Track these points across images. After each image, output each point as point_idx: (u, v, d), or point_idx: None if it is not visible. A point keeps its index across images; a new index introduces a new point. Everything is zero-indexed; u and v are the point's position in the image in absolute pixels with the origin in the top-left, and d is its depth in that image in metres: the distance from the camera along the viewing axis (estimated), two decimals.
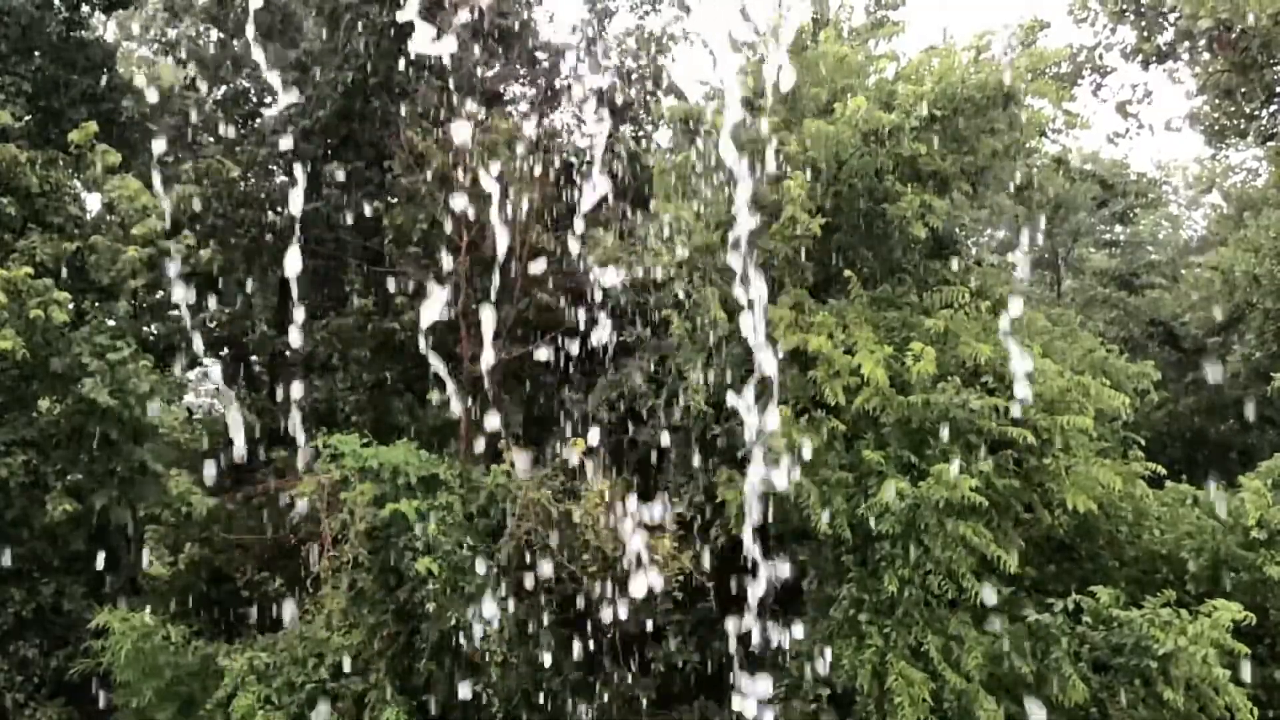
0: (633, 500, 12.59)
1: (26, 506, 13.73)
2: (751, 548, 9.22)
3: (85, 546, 14.03)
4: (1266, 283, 20.65)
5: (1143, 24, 23.04)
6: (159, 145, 18.25)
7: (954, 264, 13.97)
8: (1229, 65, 21.46)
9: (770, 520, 11.70)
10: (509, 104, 19.41)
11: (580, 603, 11.88)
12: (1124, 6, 23.14)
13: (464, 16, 16.91)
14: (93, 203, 15.95)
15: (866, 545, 11.59)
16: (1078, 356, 13.89)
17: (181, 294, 14.12)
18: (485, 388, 15.07)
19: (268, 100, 20.66)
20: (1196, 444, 22.23)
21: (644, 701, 12.33)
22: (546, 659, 11.78)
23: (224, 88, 20.88)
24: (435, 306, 9.03)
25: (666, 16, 20.89)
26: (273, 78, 20.08)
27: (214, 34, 21.30)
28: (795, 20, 15.22)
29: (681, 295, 13.53)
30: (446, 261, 15.10)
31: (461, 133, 13.53)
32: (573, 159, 17.31)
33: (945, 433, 11.57)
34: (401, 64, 17.12)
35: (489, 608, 11.67)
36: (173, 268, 15.15)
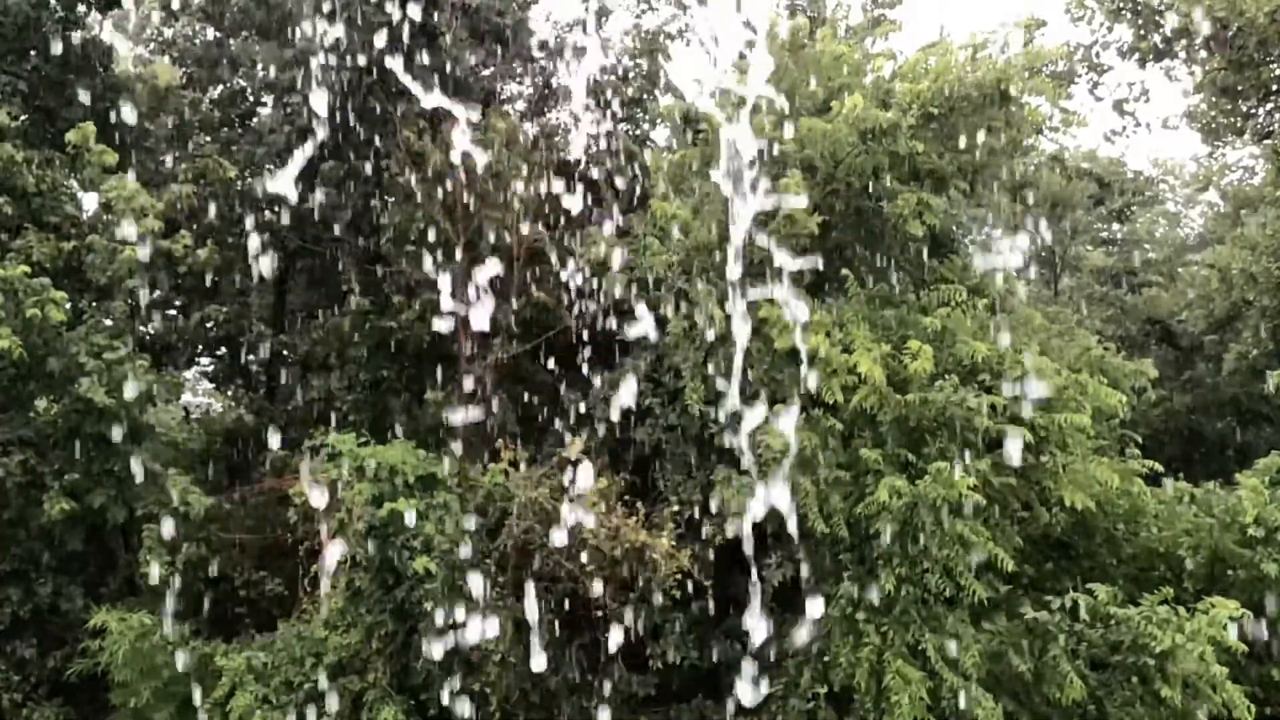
0: (631, 499, 12.59)
1: (24, 506, 13.71)
2: (748, 547, 9.23)
3: (82, 546, 14.02)
4: (1263, 280, 20.68)
5: (1139, 22, 23.05)
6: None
7: (954, 261, 13.98)
8: (1226, 63, 21.46)
9: (767, 519, 11.69)
10: (506, 103, 19.39)
11: (578, 601, 11.88)
12: (1121, 5, 23.15)
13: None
14: (89, 202, 15.92)
15: (864, 544, 11.59)
16: (1075, 355, 13.89)
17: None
18: (483, 387, 15.05)
19: (264, 99, 20.64)
20: (1194, 442, 22.27)
21: (642, 700, 12.33)
22: (544, 658, 11.78)
23: (220, 87, 20.85)
24: None
25: (663, 15, 20.92)
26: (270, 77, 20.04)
27: (210, 33, 21.27)
28: (792, 19, 15.21)
29: (679, 294, 13.53)
30: (444, 261, 15.09)
31: (458, 132, 13.52)
32: (570, 158, 17.29)
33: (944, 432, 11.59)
34: (399, 63, 17.09)
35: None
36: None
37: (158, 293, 16.90)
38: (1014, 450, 11.22)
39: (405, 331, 16.65)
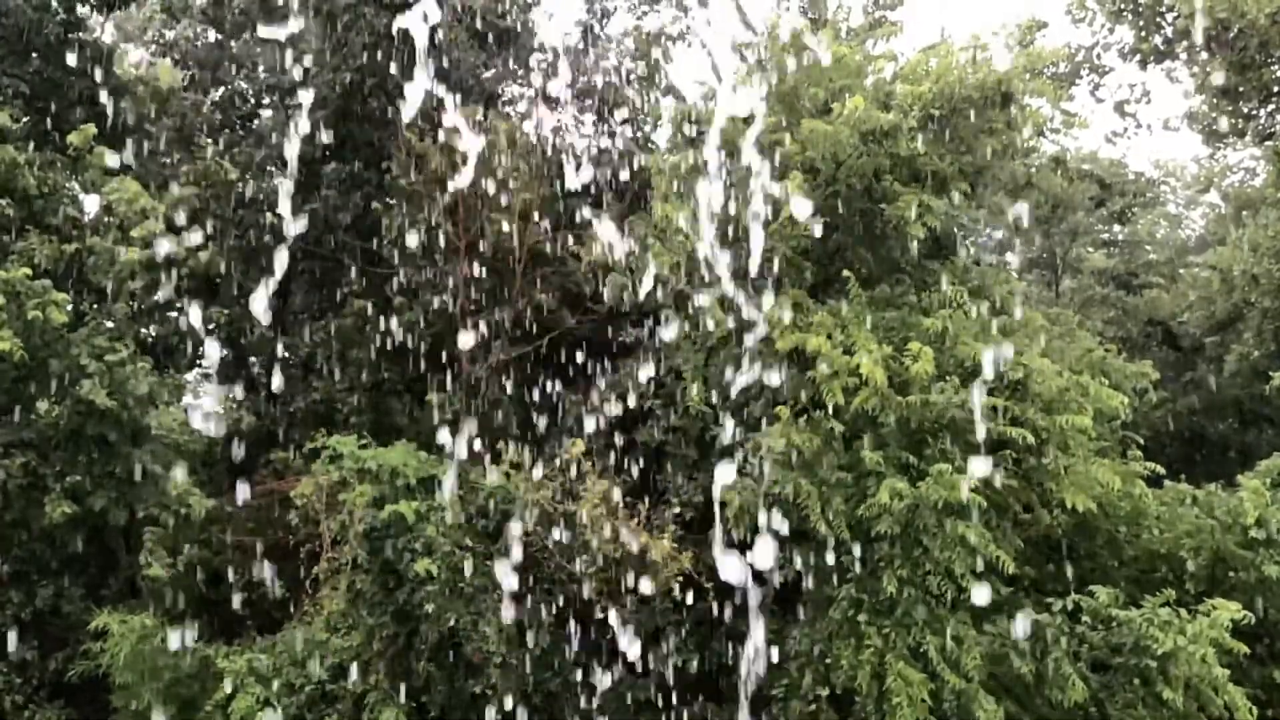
0: (632, 501, 12.59)
1: (25, 508, 13.72)
2: (750, 548, 9.22)
3: (83, 548, 14.02)
4: (1265, 282, 20.69)
5: (1140, 23, 23.05)
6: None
7: (953, 263, 13.97)
8: (1227, 65, 21.45)
9: (769, 521, 11.70)
10: (507, 104, 19.41)
11: (579, 603, 11.87)
12: (1122, 6, 23.15)
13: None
14: (91, 204, 15.93)
15: (865, 546, 11.58)
16: (1076, 356, 13.89)
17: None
18: (484, 389, 15.06)
19: (265, 101, 20.64)
20: (1195, 443, 22.25)
21: (643, 702, 12.32)
22: (545, 659, 11.78)
23: (222, 89, 20.85)
24: None
25: (665, 17, 20.92)
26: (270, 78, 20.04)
27: (212, 35, 21.29)
28: (793, 20, 15.22)
29: (680, 296, 13.53)
30: (445, 263, 15.10)
31: (459, 133, 13.53)
32: (571, 159, 17.29)
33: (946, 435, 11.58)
34: (399, 65, 17.10)
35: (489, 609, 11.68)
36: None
37: (160, 294, 16.90)
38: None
39: (407, 333, 16.65)
